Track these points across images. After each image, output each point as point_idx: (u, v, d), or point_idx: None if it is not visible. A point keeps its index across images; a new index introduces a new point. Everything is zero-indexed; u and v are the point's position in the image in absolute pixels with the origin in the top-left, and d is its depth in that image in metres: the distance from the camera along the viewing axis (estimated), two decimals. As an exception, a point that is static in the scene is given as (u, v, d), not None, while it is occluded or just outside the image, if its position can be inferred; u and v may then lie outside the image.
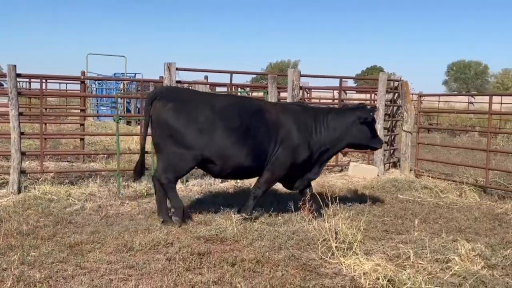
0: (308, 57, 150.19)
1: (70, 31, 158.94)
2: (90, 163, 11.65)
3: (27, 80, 20.03)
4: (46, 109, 15.50)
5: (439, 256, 5.58)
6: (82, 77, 13.31)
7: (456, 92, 72.48)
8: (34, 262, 5.22)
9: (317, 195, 7.21)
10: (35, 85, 20.33)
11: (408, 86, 11.95)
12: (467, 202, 8.79)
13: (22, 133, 8.92)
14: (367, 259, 5.39)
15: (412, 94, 18.72)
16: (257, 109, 7.12)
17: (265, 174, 7.13)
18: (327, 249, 5.75)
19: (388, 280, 4.86)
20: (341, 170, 11.95)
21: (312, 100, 16.39)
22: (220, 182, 9.67)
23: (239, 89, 14.03)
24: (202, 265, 5.27)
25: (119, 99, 20.75)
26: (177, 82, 9.90)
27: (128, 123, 21.51)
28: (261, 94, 14.89)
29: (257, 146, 6.90)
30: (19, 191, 8.45)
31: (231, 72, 10.81)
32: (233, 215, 6.77)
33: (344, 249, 5.65)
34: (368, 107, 7.67)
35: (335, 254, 5.58)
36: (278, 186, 9.57)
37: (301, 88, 11.60)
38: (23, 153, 8.93)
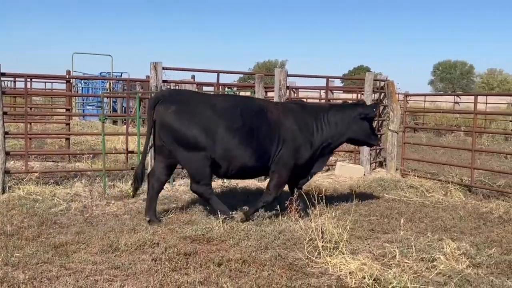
0: (295, 57, 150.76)
1: (56, 29, 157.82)
2: (76, 163, 11.55)
3: (12, 79, 19.82)
4: (31, 108, 15.38)
5: (424, 255, 5.61)
6: (67, 76, 13.17)
7: (442, 92, 73.08)
8: (18, 263, 5.17)
9: (304, 195, 7.22)
10: (20, 84, 20.12)
11: (394, 86, 12.00)
12: (452, 201, 8.85)
13: (6, 133, 8.83)
14: (353, 259, 5.40)
15: (398, 94, 18.83)
16: (259, 109, 7.15)
17: (273, 178, 7.16)
18: (313, 248, 5.76)
19: (374, 279, 4.88)
20: (327, 170, 11.97)
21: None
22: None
23: (226, 89, 13.98)
24: (188, 265, 5.25)
25: (105, 99, 20.63)
26: (164, 81, 9.85)
27: (114, 122, 21.42)
28: (248, 93, 14.89)
29: (261, 146, 6.95)
30: (3, 192, 8.35)
31: (218, 72, 10.80)
32: (219, 215, 6.74)
33: (330, 248, 5.66)
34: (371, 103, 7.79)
35: (321, 253, 5.58)
36: (265, 185, 9.58)
37: (288, 87, 11.62)
38: (7, 153, 8.84)
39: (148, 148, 7.18)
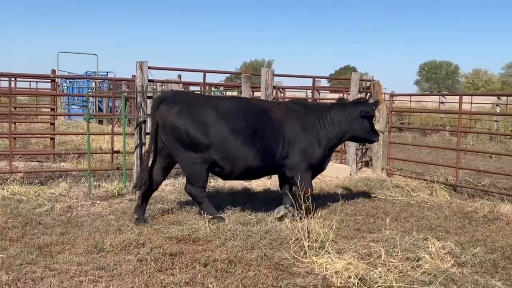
0: (282, 57, 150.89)
1: (41, 28, 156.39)
2: (61, 163, 11.45)
3: (-4, 78, 19.61)
4: (15, 108, 15.17)
5: (410, 254, 5.63)
6: (52, 76, 13.06)
7: (427, 92, 73.62)
8: (1, 264, 5.11)
9: (290, 194, 7.23)
10: (4, 83, 19.90)
11: (380, 86, 12.05)
12: (437, 201, 8.90)
13: (-10, 133, 8.74)
14: (339, 258, 5.41)
15: (384, 93, 18.89)
16: (262, 110, 7.19)
17: (299, 182, 6.95)
18: (299, 248, 5.76)
19: (359, 279, 4.89)
20: (314, 169, 11.97)
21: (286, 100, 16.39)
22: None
23: (213, 88, 13.95)
24: (174, 265, 5.23)
25: (90, 98, 20.49)
26: (149, 81, 9.80)
27: (100, 122, 21.29)
28: (235, 93, 14.86)
29: (265, 147, 6.98)
30: (-13, 192, 8.26)
31: (205, 71, 10.78)
32: (205, 215, 6.72)
33: (316, 248, 5.67)
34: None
35: (307, 253, 5.59)
36: (252, 185, 9.59)
37: (274, 87, 11.61)
38: (-9, 153, 8.74)
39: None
